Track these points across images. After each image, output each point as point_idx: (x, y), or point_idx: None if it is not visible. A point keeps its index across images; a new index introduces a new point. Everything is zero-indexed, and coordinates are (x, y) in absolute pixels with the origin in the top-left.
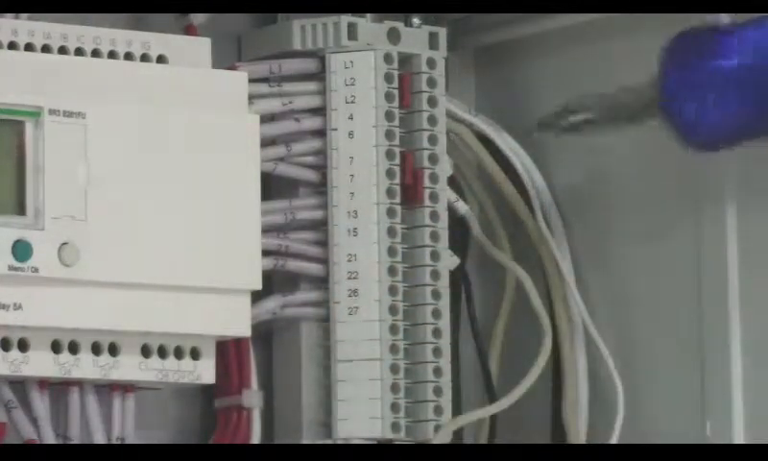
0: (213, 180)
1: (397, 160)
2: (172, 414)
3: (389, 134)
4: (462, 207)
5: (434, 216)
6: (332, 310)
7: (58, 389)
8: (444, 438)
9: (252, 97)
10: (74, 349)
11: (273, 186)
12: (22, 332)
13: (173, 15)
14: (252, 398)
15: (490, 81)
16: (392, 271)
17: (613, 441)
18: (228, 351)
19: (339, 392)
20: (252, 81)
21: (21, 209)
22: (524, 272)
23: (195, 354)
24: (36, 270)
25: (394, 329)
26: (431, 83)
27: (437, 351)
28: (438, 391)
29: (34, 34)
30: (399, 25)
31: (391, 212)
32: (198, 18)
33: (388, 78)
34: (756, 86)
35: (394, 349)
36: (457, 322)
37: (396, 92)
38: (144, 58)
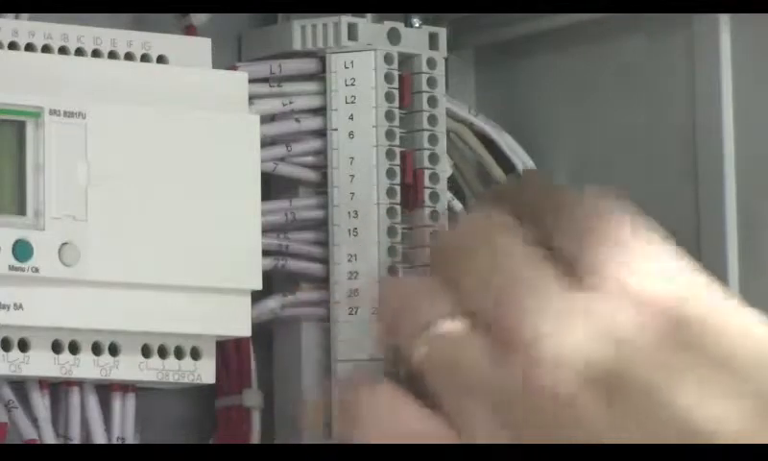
0: (213, 180)
1: (398, 160)
2: (172, 414)
3: (389, 134)
4: (459, 206)
5: (434, 216)
6: (332, 310)
7: (58, 389)
8: None
9: (252, 97)
10: (74, 349)
11: (273, 186)
12: (23, 332)
13: (173, 15)
14: (253, 398)
15: (490, 80)
16: (392, 271)
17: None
18: (228, 350)
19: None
20: (252, 81)
21: (21, 209)
22: None
23: (195, 354)
24: (36, 270)
25: None
26: (431, 83)
27: None
28: None
29: (34, 34)
30: (400, 25)
31: (391, 212)
32: (198, 18)
33: (388, 78)
34: None
35: None
36: None
37: (396, 92)
38: (144, 58)
